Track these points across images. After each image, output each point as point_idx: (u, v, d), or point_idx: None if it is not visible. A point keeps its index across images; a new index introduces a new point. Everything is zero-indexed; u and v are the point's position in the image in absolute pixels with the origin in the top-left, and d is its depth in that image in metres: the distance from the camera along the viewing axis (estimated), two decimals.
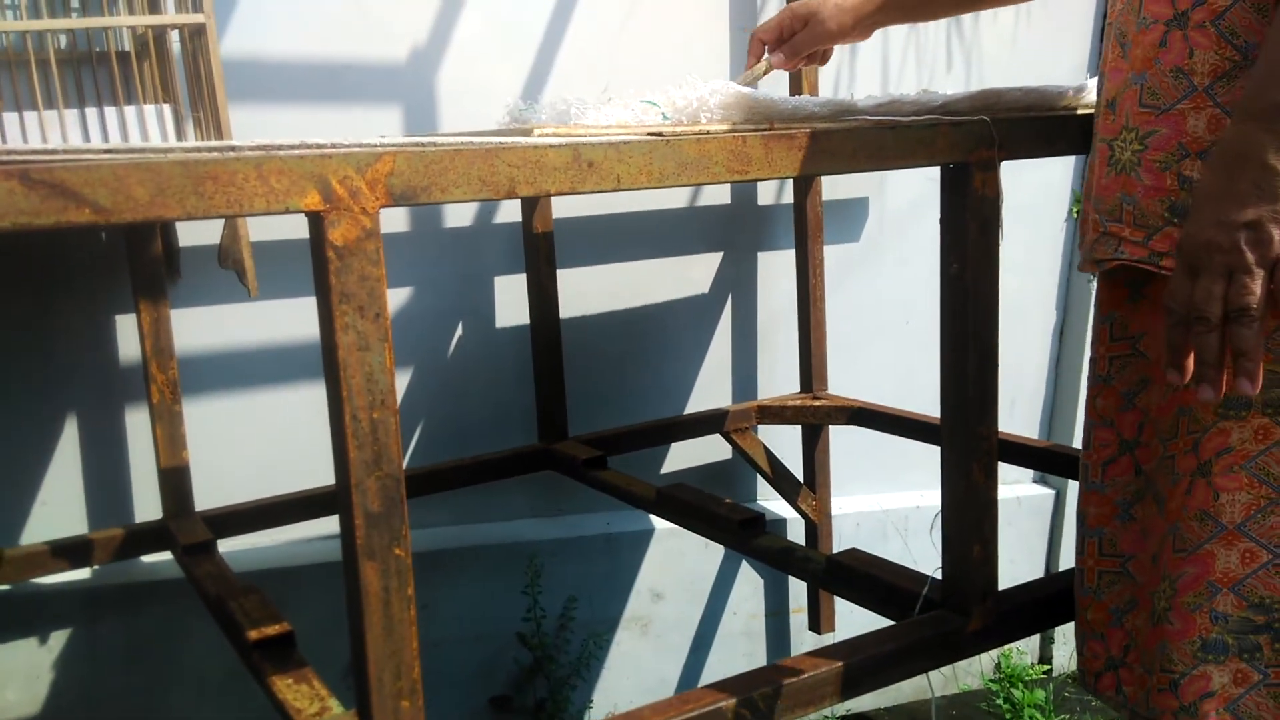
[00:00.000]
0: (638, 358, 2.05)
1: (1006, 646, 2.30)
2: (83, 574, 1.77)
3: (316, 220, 0.83)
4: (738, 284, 2.09)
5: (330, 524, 1.84)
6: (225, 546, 1.62)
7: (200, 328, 1.76)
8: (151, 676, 1.80)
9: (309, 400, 1.83)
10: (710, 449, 2.10)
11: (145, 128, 1.50)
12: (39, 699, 1.76)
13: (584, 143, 0.94)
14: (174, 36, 1.53)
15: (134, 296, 1.60)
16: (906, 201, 2.15)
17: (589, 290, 1.98)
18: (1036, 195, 2.20)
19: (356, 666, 0.93)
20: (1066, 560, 2.31)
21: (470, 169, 0.88)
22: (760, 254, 2.09)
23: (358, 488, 0.87)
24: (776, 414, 2.02)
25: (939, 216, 1.18)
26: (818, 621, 2.16)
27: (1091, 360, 1.13)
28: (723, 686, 1.10)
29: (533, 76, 1.89)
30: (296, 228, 1.74)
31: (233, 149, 0.85)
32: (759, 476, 2.13)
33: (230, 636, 1.28)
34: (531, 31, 1.88)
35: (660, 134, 1.02)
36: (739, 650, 2.19)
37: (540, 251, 1.82)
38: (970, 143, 1.12)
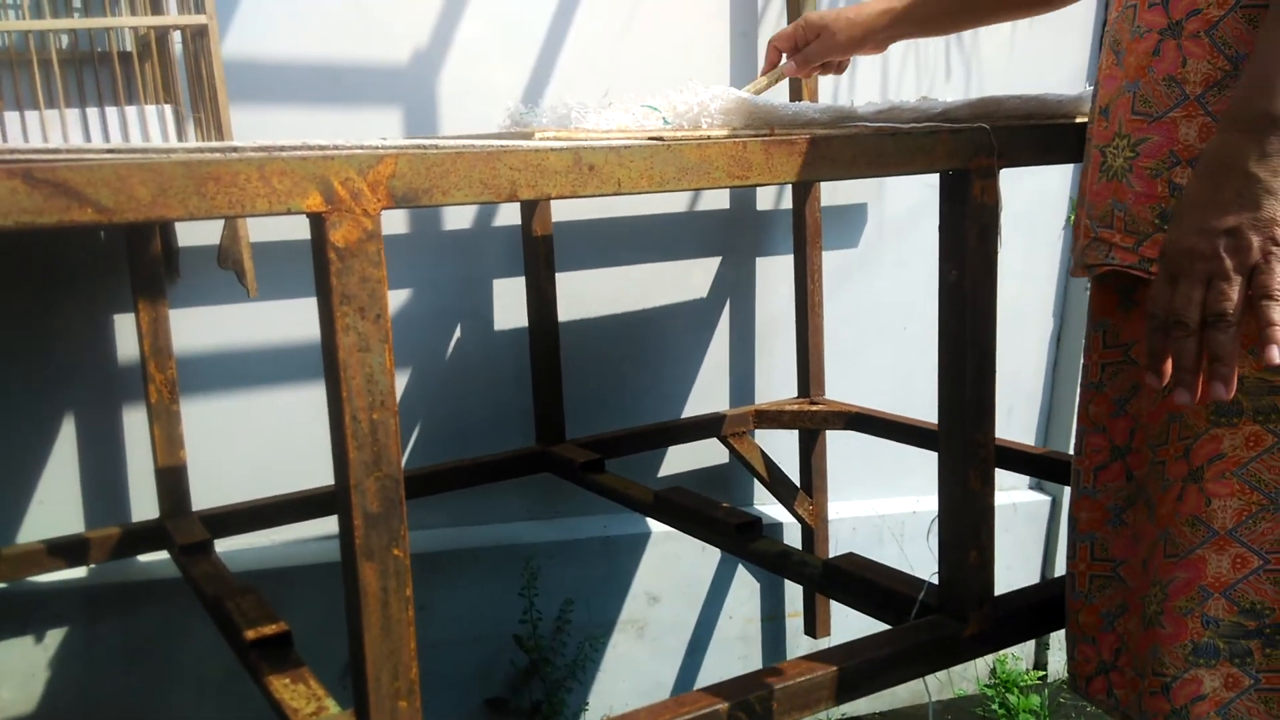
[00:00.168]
0: (636, 361, 2.05)
1: (1002, 652, 2.31)
2: (80, 573, 1.77)
3: (318, 221, 0.83)
4: (736, 289, 2.10)
5: (327, 524, 1.84)
6: (222, 546, 1.62)
7: (199, 328, 1.76)
8: (148, 676, 1.80)
9: (306, 401, 1.84)
10: (707, 453, 2.11)
11: (146, 128, 1.51)
12: (35, 698, 1.76)
13: (585, 146, 0.94)
14: (176, 37, 1.54)
15: (133, 296, 1.60)
16: (905, 208, 2.15)
17: (588, 293, 1.98)
18: (1035, 202, 2.21)
19: (355, 666, 0.93)
20: (1062, 566, 2.31)
21: (472, 172, 0.88)
22: (759, 259, 2.10)
23: (357, 488, 0.87)
24: (774, 419, 2.02)
25: (937, 223, 1.18)
26: (814, 626, 2.16)
27: (1084, 367, 1.14)
28: (718, 689, 1.10)
29: (533, 79, 1.90)
30: (295, 229, 1.74)
31: (235, 150, 0.85)
32: (756, 481, 2.14)
33: (227, 636, 1.28)
34: (532, 34, 1.88)
35: (661, 138, 1.03)
36: (735, 654, 2.19)
37: (539, 254, 1.82)
38: (969, 150, 1.13)
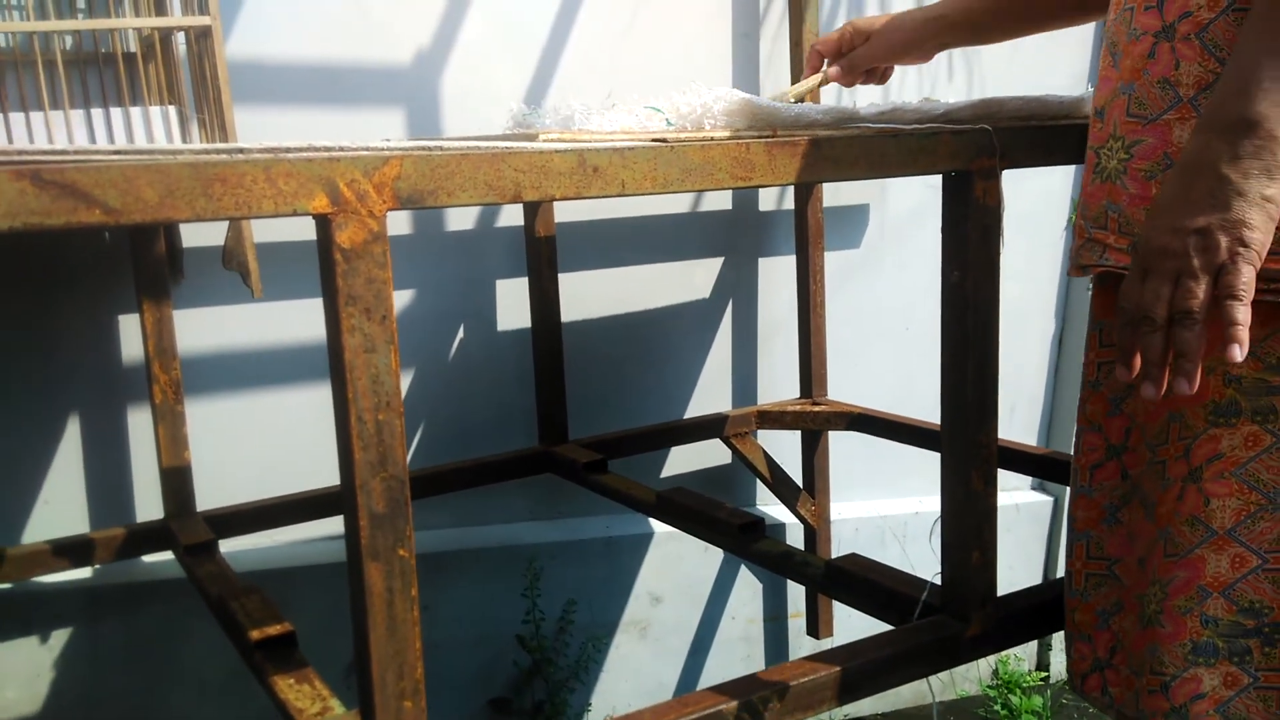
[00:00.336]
0: (638, 362, 2.06)
1: (1004, 652, 2.31)
2: (84, 573, 1.77)
3: (324, 223, 0.84)
4: (738, 289, 2.10)
5: (331, 524, 1.84)
6: (226, 547, 1.62)
7: (203, 328, 1.76)
8: (152, 676, 1.81)
9: (310, 401, 1.84)
10: (710, 453, 2.11)
11: (150, 129, 1.51)
12: (39, 698, 1.76)
13: (589, 148, 0.94)
14: (180, 38, 1.54)
15: (137, 297, 1.60)
16: (907, 208, 2.15)
17: (590, 294, 1.98)
18: (1037, 203, 2.21)
19: (360, 666, 0.93)
20: (1064, 567, 2.31)
21: (476, 173, 0.88)
22: (761, 259, 2.10)
23: (363, 489, 0.88)
24: (776, 419, 2.02)
25: (940, 224, 1.18)
26: (816, 626, 2.16)
27: (1083, 366, 1.15)
28: (721, 690, 1.10)
29: (536, 80, 1.90)
30: (300, 229, 1.75)
31: (241, 151, 0.85)
32: (758, 481, 2.14)
33: (232, 636, 1.28)
34: (535, 35, 1.89)
35: (664, 140, 1.03)
36: (738, 654, 2.19)
37: (542, 255, 1.83)
38: (971, 151, 1.13)
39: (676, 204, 2.02)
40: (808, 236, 2.00)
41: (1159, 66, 1.00)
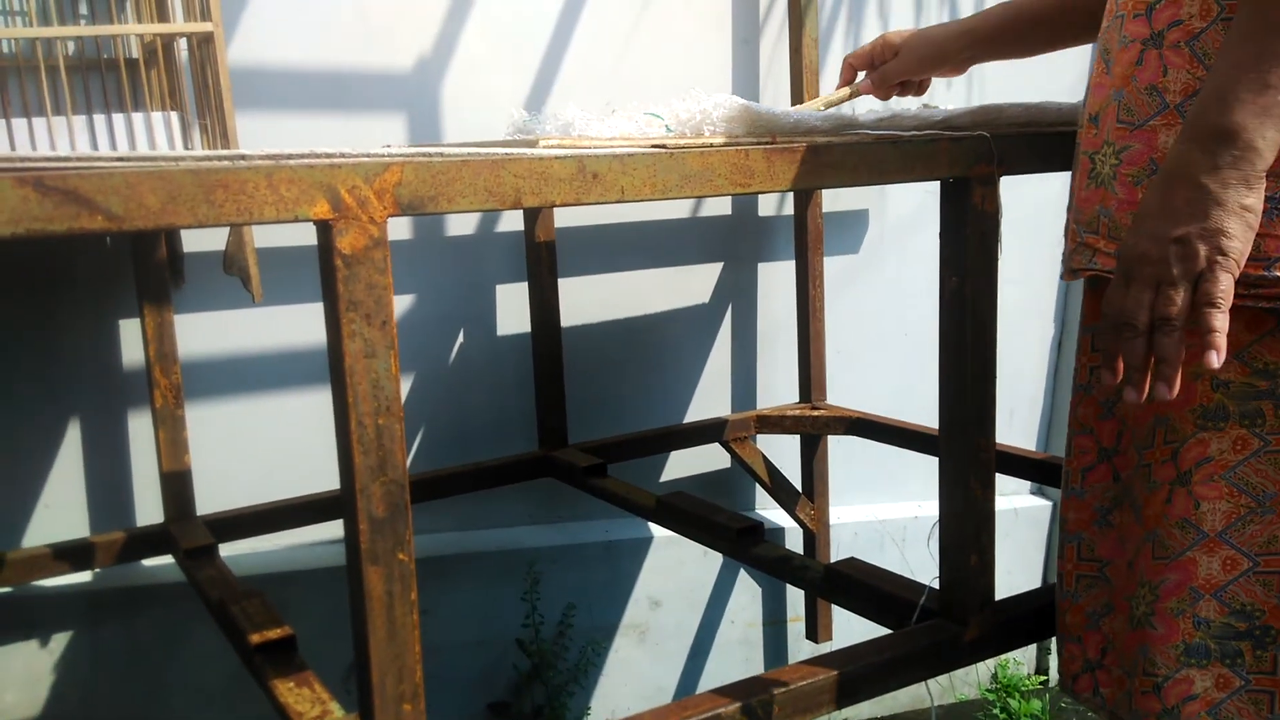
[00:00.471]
0: (638, 366, 2.06)
1: (1003, 656, 2.31)
2: (84, 577, 1.77)
3: (325, 229, 0.84)
4: (738, 294, 2.11)
5: (330, 528, 1.85)
6: (226, 550, 1.63)
7: (204, 333, 1.77)
8: (152, 680, 1.81)
9: (310, 406, 1.84)
10: (709, 458, 2.11)
11: (152, 135, 1.52)
12: (39, 702, 1.76)
13: (589, 154, 0.95)
14: (182, 44, 1.55)
15: (138, 301, 1.61)
16: (907, 214, 2.16)
17: (590, 299, 1.99)
18: (1035, 209, 2.22)
19: (360, 670, 0.94)
20: None
21: (477, 179, 0.89)
22: (760, 265, 2.10)
23: (363, 493, 0.88)
24: (775, 423, 2.03)
25: (939, 229, 1.19)
26: (815, 630, 2.17)
27: (1075, 369, 1.15)
28: (720, 693, 1.11)
29: (536, 87, 1.90)
30: (300, 234, 1.75)
31: (243, 158, 0.86)
32: (758, 485, 2.14)
33: (232, 640, 1.28)
34: (535, 42, 1.89)
35: (664, 146, 1.03)
36: (737, 658, 2.19)
37: (542, 260, 1.83)
38: (970, 158, 1.14)
39: (676, 209, 2.03)
40: (807, 241, 2.00)
41: (1146, 73, 1.01)
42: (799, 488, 2.11)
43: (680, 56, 1.98)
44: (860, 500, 2.24)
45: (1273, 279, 0.94)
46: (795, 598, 2.20)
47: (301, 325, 1.82)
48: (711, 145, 1.05)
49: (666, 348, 2.07)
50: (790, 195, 2.07)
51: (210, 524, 1.62)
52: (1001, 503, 2.08)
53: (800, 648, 2.22)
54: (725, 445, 2.01)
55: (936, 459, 1.25)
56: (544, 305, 1.85)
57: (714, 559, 2.13)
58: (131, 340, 1.74)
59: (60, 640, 1.76)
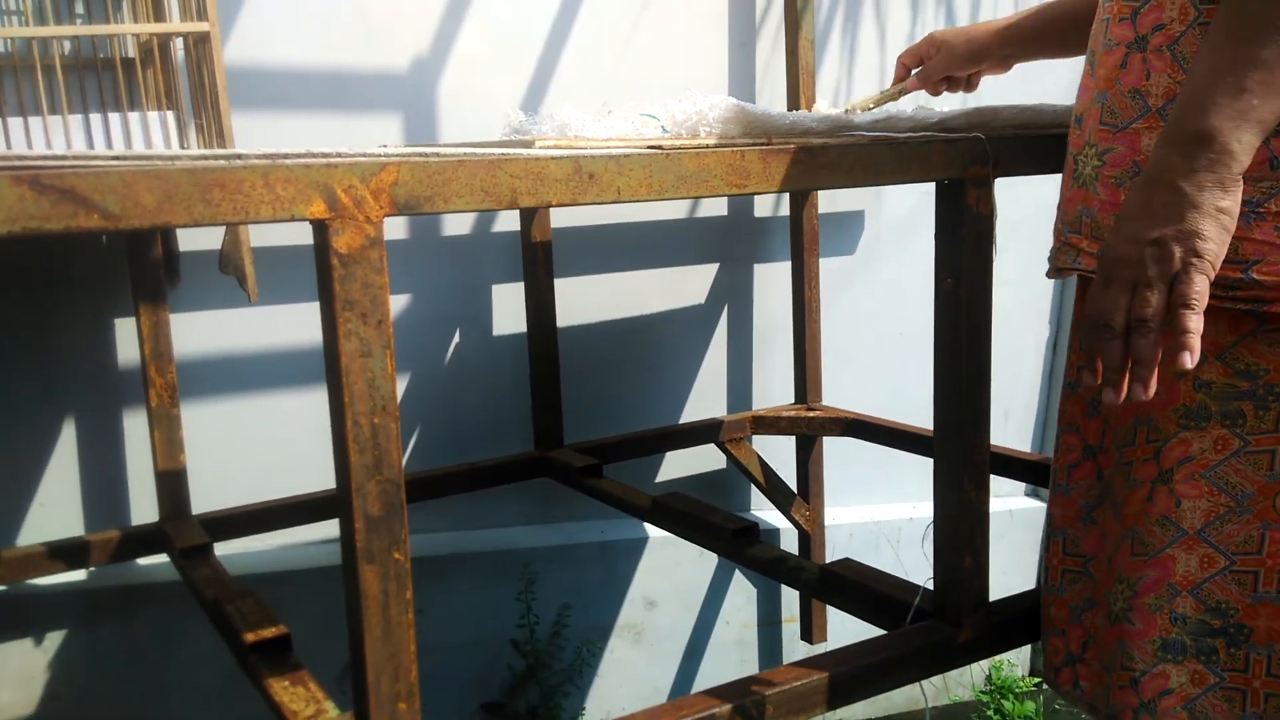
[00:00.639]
0: (634, 367, 2.06)
1: (997, 658, 2.31)
2: (79, 575, 1.77)
3: (321, 228, 0.84)
4: (734, 295, 2.11)
5: (325, 528, 1.85)
6: (221, 550, 1.63)
7: (200, 332, 1.77)
8: (148, 679, 1.81)
9: (305, 405, 1.84)
10: (705, 458, 2.11)
11: (148, 134, 1.52)
12: (34, 700, 1.76)
13: (585, 155, 0.95)
14: (178, 44, 1.55)
15: (134, 300, 1.61)
16: (902, 215, 2.16)
17: (586, 299, 1.99)
18: (1030, 210, 2.22)
19: (355, 669, 0.94)
20: None
21: (473, 180, 0.89)
22: (756, 265, 2.11)
23: (358, 492, 0.88)
24: (771, 424, 2.03)
25: (934, 230, 1.19)
26: (810, 631, 2.17)
27: (1065, 368, 1.17)
28: (715, 693, 1.11)
29: (533, 87, 1.91)
30: (296, 234, 1.75)
31: (239, 157, 0.86)
32: (753, 486, 2.14)
33: (227, 639, 1.28)
34: (532, 43, 1.89)
35: (660, 147, 1.04)
36: (732, 659, 2.19)
37: (538, 261, 1.83)
38: (965, 160, 1.14)
39: (672, 210, 2.03)
40: (803, 242, 2.01)
41: (1130, 76, 1.02)
42: (794, 488, 2.11)
43: (677, 58, 1.98)
44: (855, 501, 2.24)
45: (1250, 281, 0.95)
46: (790, 598, 2.21)
47: (297, 325, 1.81)
48: (707, 146, 1.05)
49: (662, 348, 2.07)
50: (786, 196, 2.07)
51: (205, 523, 1.62)
52: (996, 504, 2.09)
53: (795, 648, 2.22)
54: (721, 446, 2.01)
55: (931, 460, 1.25)
56: (540, 305, 1.85)
57: (709, 560, 2.13)
58: (127, 339, 1.74)
59: (55, 639, 1.76)
